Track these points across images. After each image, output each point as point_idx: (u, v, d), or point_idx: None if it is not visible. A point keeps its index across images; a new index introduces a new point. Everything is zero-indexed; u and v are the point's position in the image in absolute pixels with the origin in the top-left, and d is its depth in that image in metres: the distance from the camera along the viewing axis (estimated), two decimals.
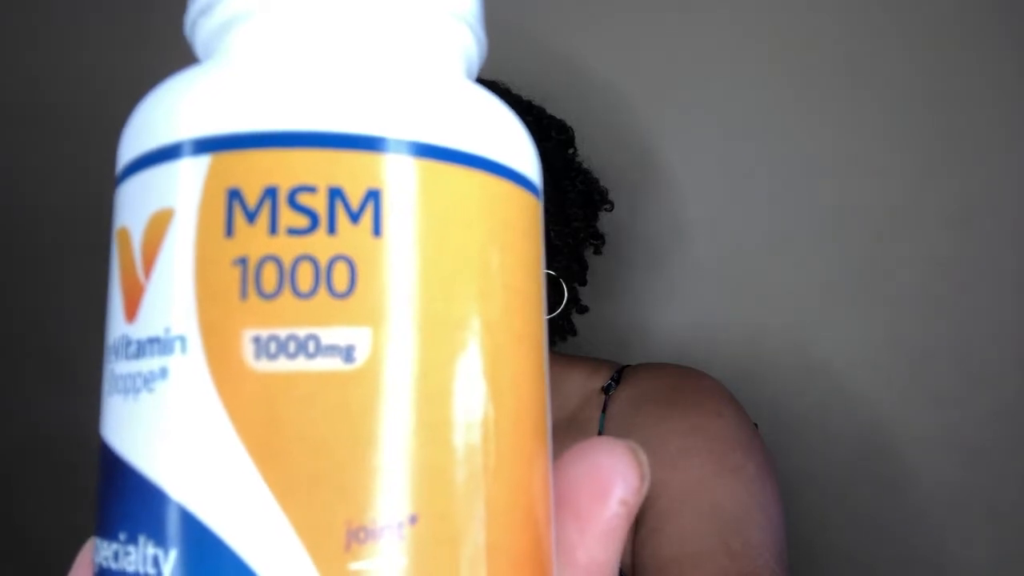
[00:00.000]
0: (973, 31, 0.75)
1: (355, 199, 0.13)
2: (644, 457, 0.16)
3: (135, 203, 0.14)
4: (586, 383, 0.62)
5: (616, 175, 0.72)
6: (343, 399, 0.13)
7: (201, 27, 0.15)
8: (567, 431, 0.60)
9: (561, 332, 0.68)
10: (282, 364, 0.12)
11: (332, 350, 0.13)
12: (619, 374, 0.61)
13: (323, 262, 0.13)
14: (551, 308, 0.66)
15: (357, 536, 0.12)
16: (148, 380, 0.13)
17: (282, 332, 0.13)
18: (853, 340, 0.76)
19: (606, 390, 0.61)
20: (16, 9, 0.90)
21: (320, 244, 0.13)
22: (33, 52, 0.90)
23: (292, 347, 0.13)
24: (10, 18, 0.90)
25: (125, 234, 0.14)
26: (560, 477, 0.16)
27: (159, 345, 0.13)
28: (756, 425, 0.58)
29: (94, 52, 0.88)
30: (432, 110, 0.14)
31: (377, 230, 0.13)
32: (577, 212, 0.66)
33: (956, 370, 0.73)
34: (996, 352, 0.73)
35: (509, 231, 0.15)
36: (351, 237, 0.13)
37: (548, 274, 0.64)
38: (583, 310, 0.68)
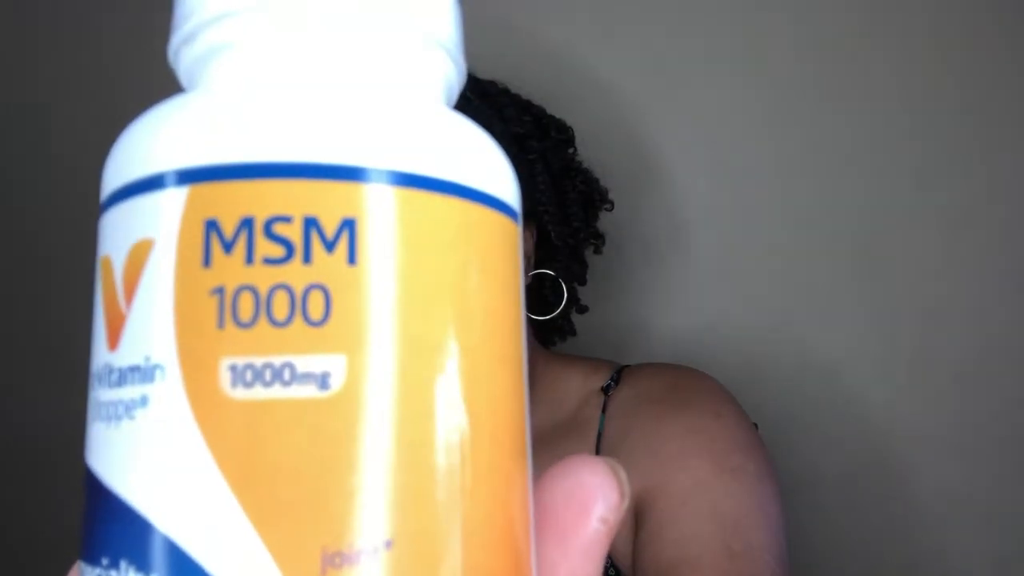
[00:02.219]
0: (973, 31, 0.75)
1: (330, 228, 0.13)
2: (624, 475, 0.16)
3: (117, 233, 0.14)
4: (585, 383, 0.62)
5: (616, 175, 0.72)
6: (318, 426, 0.13)
7: (183, 56, 0.16)
8: (567, 431, 0.60)
9: (561, 332, 0.69)
10: (258, 392, 0.13)
11: (307, 377, 0.13)
12: (618, 374, 0.61)
13: (298, 291, 0.13)
14: (551, 308, 0.66)
15: (333, 561, 0.12)
16: (129, 408, 0.13)
17: (258, 360, 0.13)
18: (853, 340, 0.76)
19: (605, 390, 0.61)
20: (16, 9, 0.90)
21: (295, 273, 0.13)
22: (33, 52, 0.90)
23: (268, 375, 0.13)
24: (10, 18, 0.91)
25: (108, 263, 0.14)
26: (540, 495, 0.16)
27: (139, 373, 0.13)
28: (756, 425, 0.58)
29: (95, 51, 0.88)
30: (407, 139, 0.14)
31: (352, 258, 0.13)
32: (577, 212, 0.66)
33: (956, 370, 0.73)
34: (996, 352, 0.73)
35: (486, 256, 0.15)
36: (326, 266, 0.13)
37: (548, 274, 0.64)
38: (583, 310, 0.68)
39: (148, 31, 0.78)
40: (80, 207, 0.82)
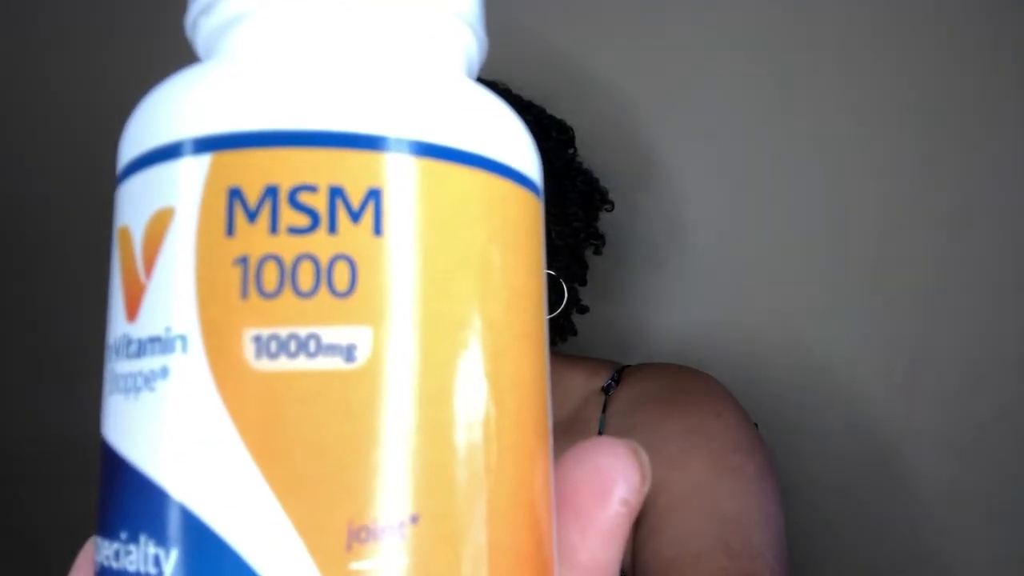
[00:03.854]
0: (973, 31, 0.75)
1: (356, 198, 0.13)
2: (645, 457, 0.16)
3: (136, 202, 0.14)
4: (586, 383, 0.62)
5: (616, 175, 0.72)
6: (344, 398, 0.12)
7: (202, 26, 0.15)
8: (567, 431, 0.60)
9: (561, 332, 0.68)
10: (283, 363, 0.12)
11: (333, 349, 0.13)
12: (619, 374, 0.61)
13: (324, 261, 0.13)
14: (551, 308, 0.66)
15: (358, 536, 0.12)
16: (149, 379, 0.13)
17: (283, 331, 0.13)
18: (853, 340, 0.76)
19: (606, 390, 0.61)
20: (17, 9, 0.90)
21: (321, 243, 0.13)
22: (34, 50, 0.90)
23: (293, 346, 0.13)
24: (11, 18, 0.90)
25: (126, 233, 0.14)
26: (561, 477, 0.16)
27: (160, 344, 0.13)
28: (756, 425, 0.58)
29: (96, 49, 0.88)
30: (433, 109, 0.14)
31: (378, 229, 0.13)
32: (577, 212, 0.66)
33: (956, 370, 0.73)
34: (996, 352, 0.73)
35: (510, 230, 0.15)
36: (352, 236, 0.13)
37: (548, 274, 0.64)
38: (583, 310, 0.68)
39: (148, 32, 0.78)
40: (81, 207, 0.82)
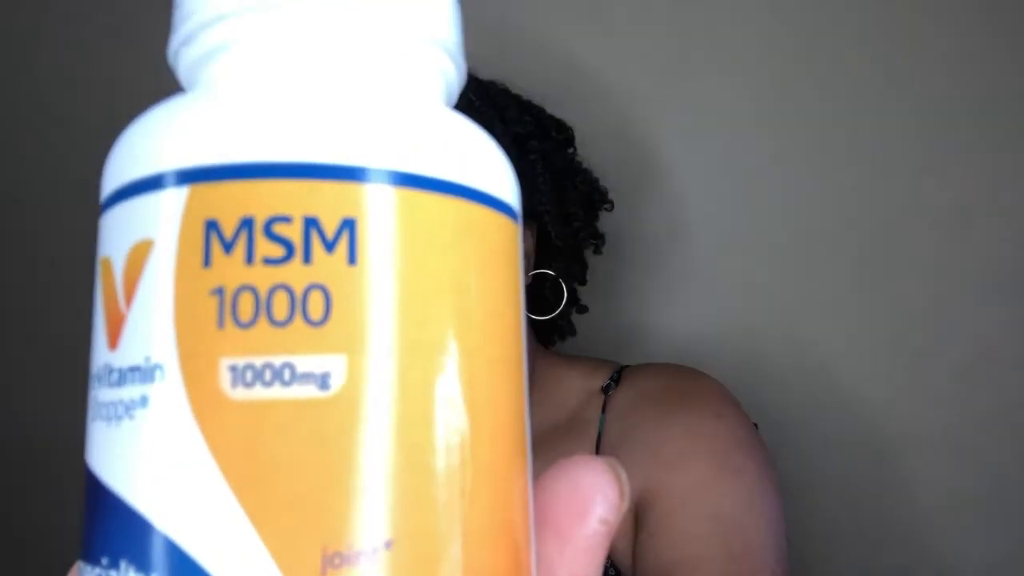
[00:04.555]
0: (973, 31, 0.75)
1: (330, 228, 0.13)
2: (624, 475, 0.16)
3: (117, 233, 0.14)
4: (586, 383, 0.62)
5: (616, 175, 0.72)
6: (318, 426, 0.13)
7: (183, 56, 0.16)
8: (567, 431, 0.60)
9: (561, 332, 0.69)
10: (258, 392, 0.13)
11: (307, 378, 0.13)
12: (619, 374, 0.61)
13: (298, 291, 0.13)
14: (551, 308, 0.66)
15: (332, 561, 0.12)
16: (129, 408, 0.13)
17: (258, 360, 0.13)
18: (853, 340, 0.76)
19: (606, 390, 0.61)
20: (18, 9, 0.90)
21: (295, 273, 0.13)
22: (35, 52, 0.90)
23: (268, 375, 0.13)
24: (11, 18, 0.91)
25: (108, 264, 0.14)
26: (540, 494, 0.16)
27: (139, 373, 0.13)
28: (756, 425, 0.58)
29: (97, 51, 0.88)
30: (407, 138, 0.14)
31: (352, 258, 0.13)
32: (577, 212, 0.66)
33: (956, 370, 0.73)
34: (996, 352, 0.73)
35: (486, 256, 0.15)
36: (326, 266, 0.13)
37: (548, 274, 0.64)
38: (583, 310, 0.68)
39: (148, 31, 0.79)
40: (81, 207, 0.82)
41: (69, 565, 0.16)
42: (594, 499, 0.16)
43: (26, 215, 0.90)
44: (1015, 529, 0.71)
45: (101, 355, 0.14)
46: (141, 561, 0.13)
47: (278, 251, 0.13)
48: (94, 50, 0.88)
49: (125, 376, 0.13)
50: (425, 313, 0.14)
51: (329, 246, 0.13)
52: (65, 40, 0.90)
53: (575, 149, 0.68)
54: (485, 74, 0.62)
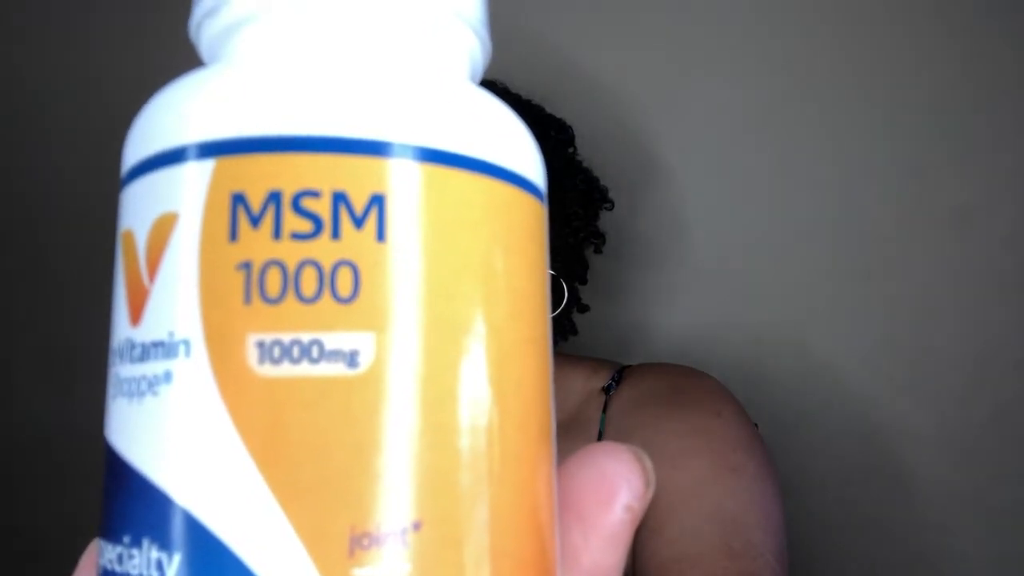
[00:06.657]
0: (973, 31, 0.75)
1: (359, 204, 0.13)
2: (649, 463, 0.16)
3: (140, 206, 0.14)
4: (587, 383, 0.62)
5: (616, 175, 0.72)
6: (347, 404, 0.12)
7: (206, 30, 0.15)
8: (567, 431, 0.60)
9: (562, 332, 0.68)
10: (286, 369, 0.12)
11: (336, 355, 0.13)
12: (619, 374, 0.61)
13: (327, 267, 0.13)
14: (552, 307, 0.66)
15: (360, 542, 0.12)
16: (152, 384, 0.13)
17: (286, 337, 0.13)
18: (853, 340, 0.76)
19: (606, 390, 0.61)
20: (18, 9, 0.90)
21: (324, 249, 0.13)
22: (35, 51, 0.90)
23: (296, 352, 0.13)
24: (12, 18, 0.90)
25: (130, 237, 0.14)
26: (564, 481, 0.16)
27: (163, 349, 0.13)
28: (756, 425, 0.58)
29: (97, 51, 0.88)
30: (437, 114, 0.14)
31: (381, 235, 0.13)
32: (577, 211, 0.66)
33: (955, 370, 0.73)
34: (996, 352, 0.73)
35: (514, 235, 0.15)
36: (355, 242, 0.13)
37: (549, 274, 0.64)
38: (583, 309, 0.68)
39: (147, 32, 0.78)
40: (82, 207, 0.81)
41: (69, 566, 0.16)
42: (619, 486, 0.15)
43: (27, 216, 0.90)
44: (1015, 529, 0.71)
45: (123, 330, 0.14)
46: (164, 539, 0.12)
47: (307, 226, 0.13)
48: (93, 49, 0.88)
49: (148, 351, 0.13)
50: (454, 292, 0.13)
51: (358, 222, 0.13)
52: (65, 40, 0.89)
53: (575, 148, 0.68)
54: (485, 74, 0.62)
